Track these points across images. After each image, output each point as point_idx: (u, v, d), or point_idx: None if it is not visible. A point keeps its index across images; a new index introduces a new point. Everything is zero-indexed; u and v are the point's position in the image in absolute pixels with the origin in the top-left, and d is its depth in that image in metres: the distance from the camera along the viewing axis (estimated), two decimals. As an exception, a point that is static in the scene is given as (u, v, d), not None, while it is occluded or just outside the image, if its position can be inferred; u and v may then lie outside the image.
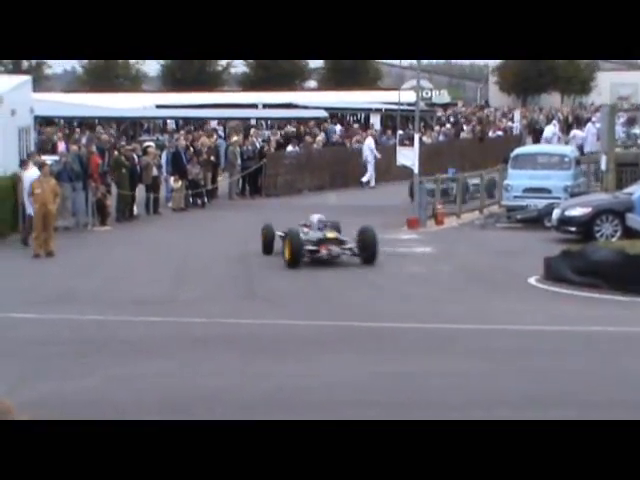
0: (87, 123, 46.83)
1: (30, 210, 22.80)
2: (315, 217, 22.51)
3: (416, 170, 28.76)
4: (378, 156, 39.38)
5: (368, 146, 39.88)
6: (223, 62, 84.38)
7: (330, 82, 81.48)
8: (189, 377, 12.12)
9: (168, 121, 54.51)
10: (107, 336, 14.47)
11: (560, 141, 46.17)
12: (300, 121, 48.73)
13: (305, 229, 21.85)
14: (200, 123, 49.29)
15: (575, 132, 48.36)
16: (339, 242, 21.64)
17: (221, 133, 47.11)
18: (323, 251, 21.28)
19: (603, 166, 29.97)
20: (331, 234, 21.75)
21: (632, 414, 10.28)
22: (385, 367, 12.57)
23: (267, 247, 22.28)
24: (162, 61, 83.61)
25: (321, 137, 42.67)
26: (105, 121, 46.51)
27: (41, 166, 23.27)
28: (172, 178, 31.37)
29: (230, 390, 11.46)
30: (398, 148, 31.09)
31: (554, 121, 54.86)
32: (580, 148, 40.93)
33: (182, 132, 40.05)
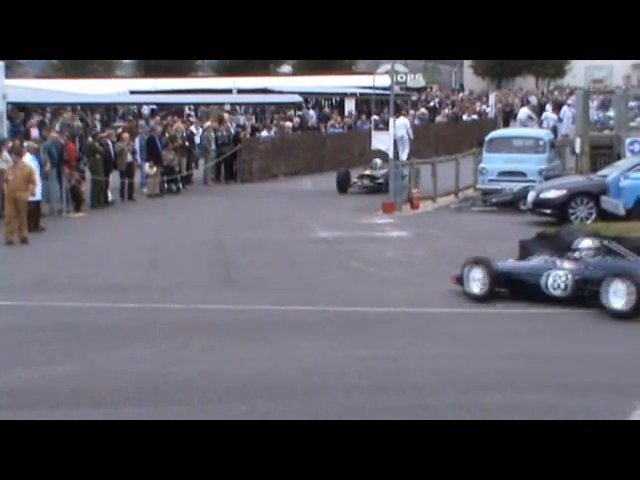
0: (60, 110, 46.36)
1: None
2: (374, 160, 31.62)
3: (391, 155, 28.77)
4: (411, 137, 38.75)
5: (404, 125, 38.09)
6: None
7: (305, 67, 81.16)
8: (167, 363, 12.10)
9: (143, 107, 54.13)
10: (84, 322, 14.44)
11: (534, 123, 46.17)
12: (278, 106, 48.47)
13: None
14: (177, 109, 49.00)
15: (547, 114, 48.35)
16: (372, 178, 31.30)
17: (194, 119, 46.82)
18: (358, 182, 31.38)
19: (577, 149, 30.08)
20: (368, 172, 31.57)
21: (609, 397, 10.37)
22: (362, 351, 12.60)
23: (341, 187, 31.34)
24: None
25: (294, 121, 42.43)
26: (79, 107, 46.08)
27: (17, 154, 23.12)
28: (147, 164, 31.27)
29: (209, 376, 11.45)
30: (373, 132, 31.06)
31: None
32: (553, 130, 40.98)
33: (158, 119, 39.67)
